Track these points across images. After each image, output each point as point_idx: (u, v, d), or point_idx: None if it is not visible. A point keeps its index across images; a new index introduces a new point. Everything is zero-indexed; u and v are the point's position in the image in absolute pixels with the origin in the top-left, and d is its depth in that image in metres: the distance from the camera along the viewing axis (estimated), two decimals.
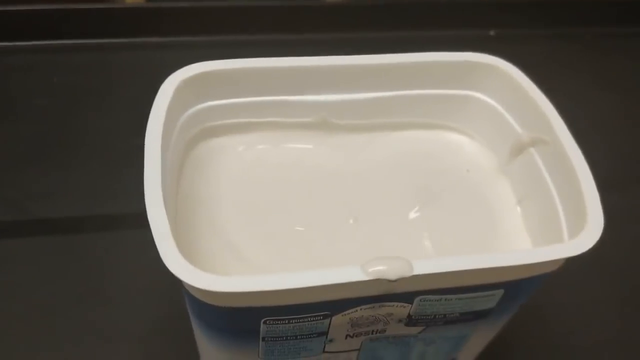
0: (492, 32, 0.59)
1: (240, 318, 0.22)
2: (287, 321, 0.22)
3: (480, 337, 0.27)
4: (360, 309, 0.22)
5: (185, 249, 0.24)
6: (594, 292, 0.39)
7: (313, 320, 0.22)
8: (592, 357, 0.36)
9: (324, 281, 0.19)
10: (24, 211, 0.40)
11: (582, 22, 0.60)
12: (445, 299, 0.23)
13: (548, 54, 0.58)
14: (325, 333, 0.23)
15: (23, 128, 0.44)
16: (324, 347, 0.24)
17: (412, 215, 0.27)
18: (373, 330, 0.24)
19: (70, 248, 0.38)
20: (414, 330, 0.25)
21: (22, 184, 0.41)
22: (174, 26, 0.51)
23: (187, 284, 0.19)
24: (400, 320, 0.24)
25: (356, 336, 0.24)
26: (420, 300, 0.23)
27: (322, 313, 0.22)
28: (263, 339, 0.23)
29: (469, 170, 0.29)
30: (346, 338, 0.24)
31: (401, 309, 0.23)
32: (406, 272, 0.20)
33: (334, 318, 0.22)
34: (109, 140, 0.43)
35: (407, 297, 0.22)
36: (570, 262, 0.22)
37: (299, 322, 0.22)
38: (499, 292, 0.23)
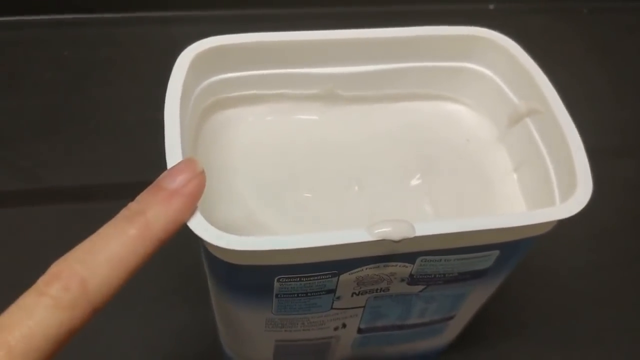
0: (491, 6, 0.60)
1: (256, 276, 0.23)
2: (298, 279, 0.24)
3: (478, 295, 0.29)
4: (366, 269, 0.24)
5: (204, 214, 0.26)
6: (585, 254, 0.41)
7: (322, 279, 0.24)
8: (586, 317, 0.38)
9: (332, 241, 0.21)
10: (36, 180, 0.41)
11: None
12: (445, 259, 0.25)
13: (546, 27, 0.59)
14: (334, 290, 0.25)
15: (35, 100, 0.45)
16: (332, 303, 0.26)
17: (414, 182, 0.28)
18: (377, 289, 0.26)
19: (82, 216, 0.39)
20: (415, 288, 0.26)
21: (34, 154, 0.42)
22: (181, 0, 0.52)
23: (209, 243, 0.21)
24: (402, 280, 0.26)
25: (361, 294, 0.26)
26: (422, 261, 0.24)
27: (330, 272, 0.24)
28: (276, 295, 0.25)
29: (469, 139, 0.30)
30: (352, 296, 0.26)
31: (403, 269, 0.25)
32: (409, 234, 0.22)
33: (341, 276, 0.24)
34: (118, 113, 0.45)
35: (409, 257, 0.24)
36: (563, 226, 0.24)
37: (310, 280, 0.24)
38: (495, 253, 0.25)
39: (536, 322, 0.38)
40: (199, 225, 0.21)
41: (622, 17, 0.61)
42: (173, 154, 0.23)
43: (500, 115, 0.30)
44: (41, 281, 0.18)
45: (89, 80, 0.47)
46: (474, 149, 0.30)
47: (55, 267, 0.19)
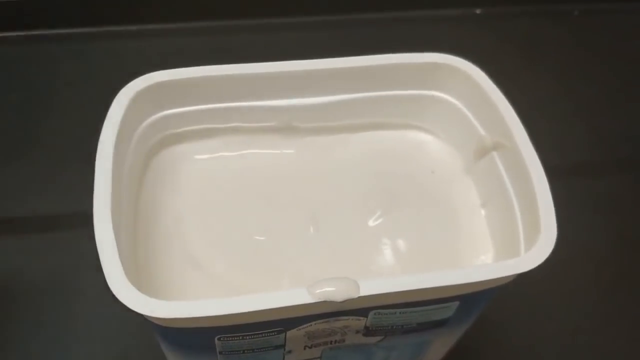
0: (477, 10, 0.58)
1: (194, 336, 0.22)
2: (241, 337, 0.22)
3: (442, 342, 0.27)
4: (315, 324, 0.23)
5: (144, 260, 0.25)
6: (565, 279, 0.39)
7: (268, 336, 0.22)
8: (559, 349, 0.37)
9: (268, 305, 0.19)
10: None
11: None
12: (401, 312, 0.23)
13: (533, 31, 0.57)
14: (283, 346, 0.23)
15: None
16: (283, 357, 0.25)
17: (374, 221, 0.27)
18: (331, 341, 0.24)
19: (46, 246, 0.38)
20: (372, 339, 0.25)
21: None
22: (150, 13, 0.50)
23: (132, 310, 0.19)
24: (357, 331, 0.24)
25: (315, 346, 0.25)
26: (375, 314, 0.23)
27: (276, 329, 0.22)
28: (220, 352, 0.23)
29: (434, 171, 0.29)
30: (305, 349, 0.24)
31: (357, 322, 0.23)
32: (352, 294, 0.20)
33: (288, 333, 0.23)
34: (84, 136, 0.43)
35: (361, 311, 0.22)
36: None
37: (254, 337, 0.22)
38: (454, 304, 0.23)
39: (513, 353, 0.37)
40: (121, 289, 0.19)
41: (614, 18, 0.58)
42: (101, 206, 0.21)
43: (467, 146, 0.28)
44: None
45: (56, 100, 0.45)
46: (439, 182, 0.28)
47: None
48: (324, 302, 0.20)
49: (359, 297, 0.20)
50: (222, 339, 0.22)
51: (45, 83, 0.46)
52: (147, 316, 0.20)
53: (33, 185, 0.41)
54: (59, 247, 0.38)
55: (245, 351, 0.23)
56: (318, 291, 0.20)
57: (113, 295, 0.19)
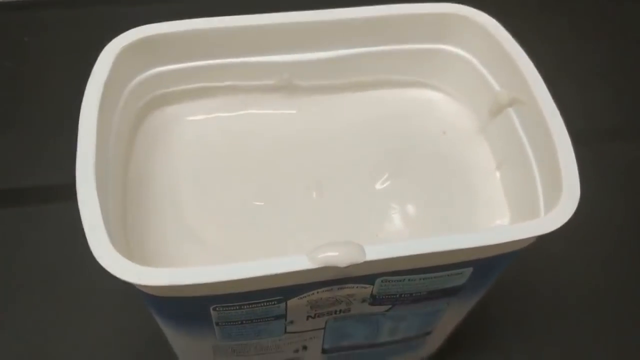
0: None
1: (187, 306, 0.20)
2: (237, 307, 0.21)
3: (454, 312, 0.26)
4: (318, 292, 0.21)
5: (135, 230, 0.23)
6: (583, 251, 0.37)
7: (267, 305, 0.21)
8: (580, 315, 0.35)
9: (265, 272, 0.18)
10: None
11: None
12: (410, 279, 0.21)
13: None
14: (284, 316, 0.22)
15: None
16: (285, 328, 0.23)
17: (381, 185, 0.25)
18: (336, 310, 0.23)
19: (42, 218, 0.37)
20: (379, 308, 0.23)
21: None
22: None
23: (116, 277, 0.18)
24: (363, 300, 0.22)
25: (318, 317, 0.23)
26: (382, 281, 0.21)
27: (275, 298, 0.21)
28: (216, 323, 0.22)
29: (446, 132, 0.27)
30: (307, 319, 0.23)
31: (362, 290, 0.22)
32: (357, 259, 0.18)
33: (289, 302, 0.21)
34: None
35: (367, 279, 0.21)
36: None
37: (251, 307, 0.21)
38: (468, 270, 0.22)
39: (528, 328, 0.35)
40: (106, 255, 0.18)
41: None
42: (84, 169, 0.20)
43: (480, 104, 0.26)
44: None
45: (50, 69, 0.43)
46: (451, 143, 0.26)
47: None
48: (326, 267, 0.18)
49: (364, 262, 0.18)
50: (217, 309, 0.20)
51: (40, 52, 0.44)
52: (136, 285, 0.18)
53: (23, 157, 0.39)
54: (54, 219, 0.37)
55: (244, 322, 0.22)
56: (320, 256, 0.18)
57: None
